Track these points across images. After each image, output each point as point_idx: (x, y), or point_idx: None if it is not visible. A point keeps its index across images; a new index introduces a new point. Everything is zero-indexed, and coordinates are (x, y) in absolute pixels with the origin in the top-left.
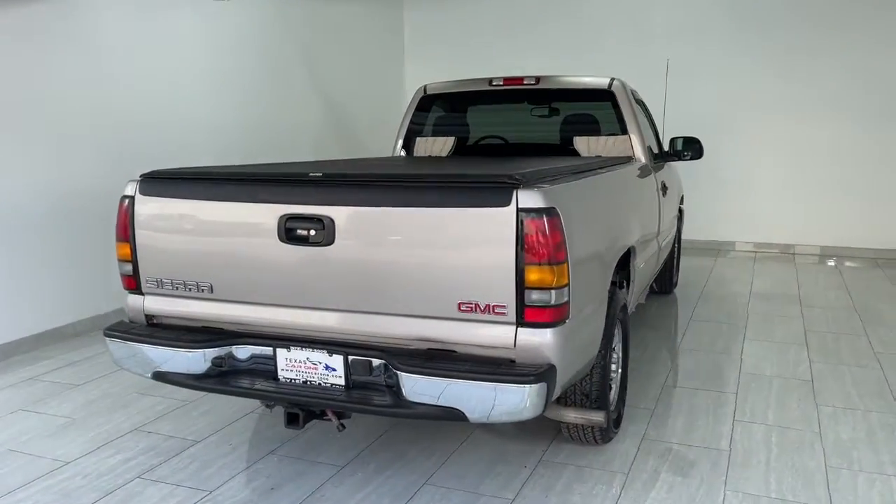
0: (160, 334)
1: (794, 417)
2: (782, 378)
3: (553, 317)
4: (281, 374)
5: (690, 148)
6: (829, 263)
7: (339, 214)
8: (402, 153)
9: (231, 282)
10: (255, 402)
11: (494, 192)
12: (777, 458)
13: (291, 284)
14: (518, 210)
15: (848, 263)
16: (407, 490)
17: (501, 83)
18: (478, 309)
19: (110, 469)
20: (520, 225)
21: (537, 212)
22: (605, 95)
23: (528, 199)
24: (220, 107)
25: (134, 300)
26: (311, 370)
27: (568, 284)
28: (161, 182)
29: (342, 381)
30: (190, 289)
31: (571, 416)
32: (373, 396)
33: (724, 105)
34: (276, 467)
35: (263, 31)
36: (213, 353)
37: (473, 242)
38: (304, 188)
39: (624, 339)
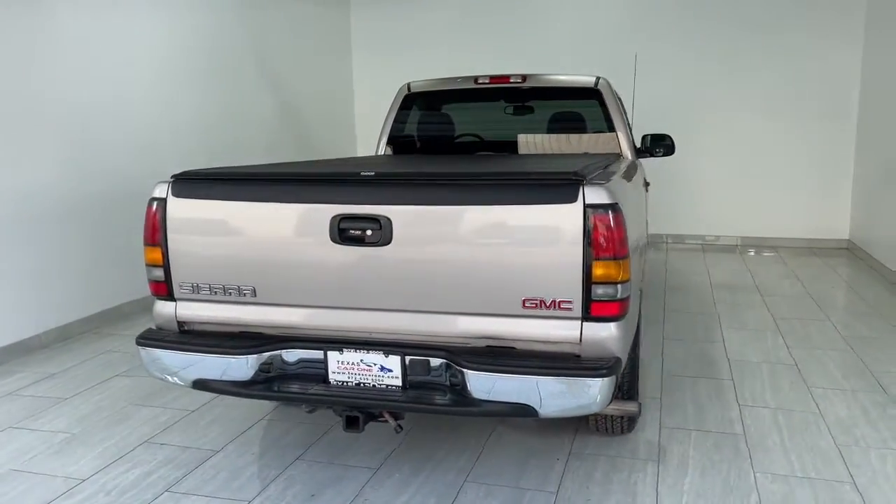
0: (202, 341)
1: (791, 400)
2: (768, 363)
3: (618, 311)
4: (332, 378)
5: (662, 145)
6: (767, 254)
7: (397, 214)
8: (388, 151)
9: (276, 285)
10: (265, 409)
11: (561, 189)
12: (790, 438)
13: (344, 286)
14: (585, 206)
15: (787, 253)
16: (449, 489)
17: (487, 81)
18: (543, 305)
19: (132, 484)
20: (587, 221)
21: (604, 207)
22: (591, 94)
23: (595, 195)
24: (179, 106)
25: (164, 306)
26: (365, 372)
27: (630, 279)
28: (196, 183)
29: (399, 382)
30: (230, 293)
31: (610, 407)
32: (433, 396)
33: (667, 101)
34: (309, 473)
35: (220, 31)
36: (259, 358)
37: (539, 239)
38: (360, 188)
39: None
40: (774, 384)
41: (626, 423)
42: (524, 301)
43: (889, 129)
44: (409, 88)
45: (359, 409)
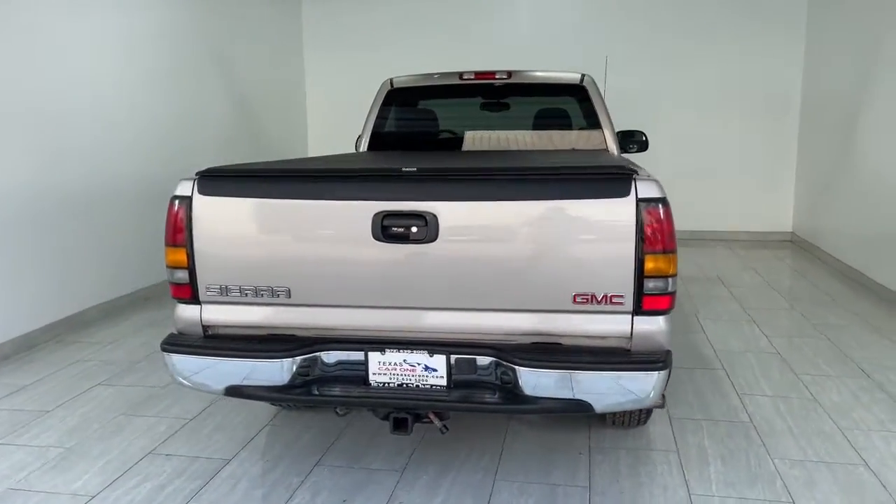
0: (235, 345)
1: (785, 387)
2: (752, 353)
3: (668, 304)
4: (372, 379)
5: (634, 141)
6: (719, 247)
7: (444, 210)
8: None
9: (313, 285)
10: (267, 414)
11: (614, 183)
12: (795, 425)
13: (386, 284)
14: (638, 200)
15: (738, 246)
16: (482, 488)
17: (473, 77)
18: (594, 300)
19: (147, 498)
20: (639, 215)
21: (655, 202)
22: (577, 90)
23: (647, 189)
24: (137, 108)
25: (187, 310)
26: (408, 372)
27: (677, 272)
28: (224, 180)
29: (443, 382)
30: (262, 294)
31: None
32: (481, 395)
33: (616, 100)
34: (332, 479)
35: (176, 33)
36: (297, 361)
37: (590, 234)
38: (404, 184)
39: None
40: (765, 373)
41: (644, 416)
42: (575, 296)
43: (829, 124)
44: (391, 84)
45: (406, 411)
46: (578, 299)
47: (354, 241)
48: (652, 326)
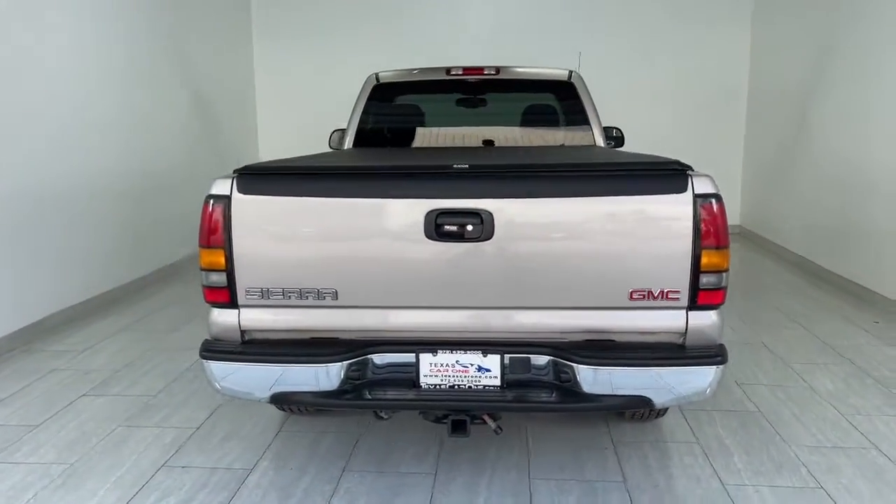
0: (284, 350)
1: (779, 376)
2: (738, 344)
3: (721, 299)
4: (423, 381)
5: (613, 137)
6: None
7: (500, 207)
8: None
9: (362, 286)
10: (277, 419)
11: (671, 179)
12: (801, 412)
13: (438, 284)
14: (694, 196)
15: None
16: (520, 488)
17: (461, 73)
18: (650, 296)
19: None
20: (696, 210)
21: (711, 197)
22: (565, 86)
23: (703, 185)
24: (93, 106)
25: (223, 315)
26: (460, 373)
27: (729, 268)
28: (266, 178)
29: (497, 382)
30: (307, 297)
31: None
32: (537, 394)
33: None
34: (364, 484)
35: (130, 33)
36: (346, 366)
37: (648, 229)
38: (459, 181)
39: None
40: (757, 363)
41: (662, 410)
42: (631, 293)
43: (775, 117)
44: (377, 79)
45: (464, 413)
46: (635, 295)
47: (406, 240)
48: (706, 321)
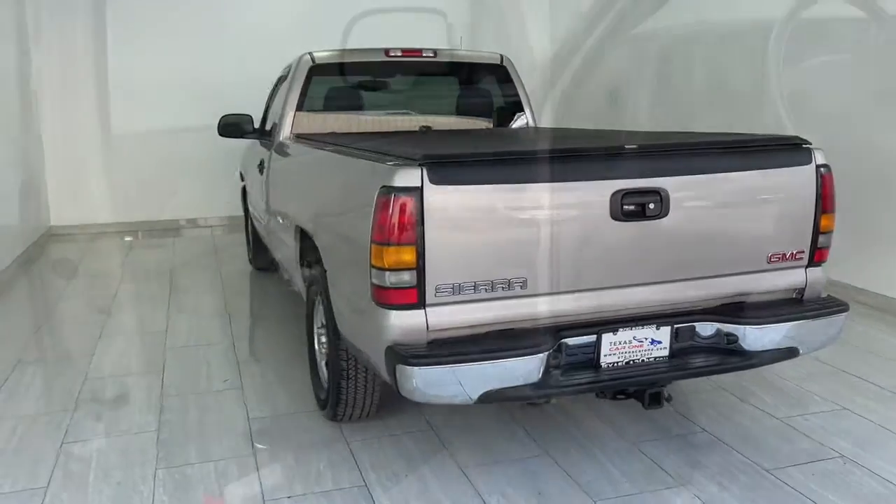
0: (488, 346)
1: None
2: None
3: (827, 256)
4: (603, 360)
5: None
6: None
7: (673, 185)
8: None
9: (550, 272)
10: (328, 429)
11: (799, 153)
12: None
13: (620, 263)
14: (817, 167)
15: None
16: (643, 463)
17: (399, 54)
18: (784, 257)
19: None
20: (819, 179)
21: (827, 167)
22: (498, 70)
23: (821, 157)
24: None
25: (409, 316)
26: (636, 349)
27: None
28: (459, 167)
29: (666, 353)
30: (498, 289)
31: None
32: (700, 358)
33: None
34: (495, 476)
35: None
36: (545, 354)
37: (786, 198)
38: (640, 161)
39: None
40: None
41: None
42: (770, 256)
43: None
44: (313, 60)
45: (647, 386)
46: (773, 258)
47: (593, 223)
48: (820, 276)
